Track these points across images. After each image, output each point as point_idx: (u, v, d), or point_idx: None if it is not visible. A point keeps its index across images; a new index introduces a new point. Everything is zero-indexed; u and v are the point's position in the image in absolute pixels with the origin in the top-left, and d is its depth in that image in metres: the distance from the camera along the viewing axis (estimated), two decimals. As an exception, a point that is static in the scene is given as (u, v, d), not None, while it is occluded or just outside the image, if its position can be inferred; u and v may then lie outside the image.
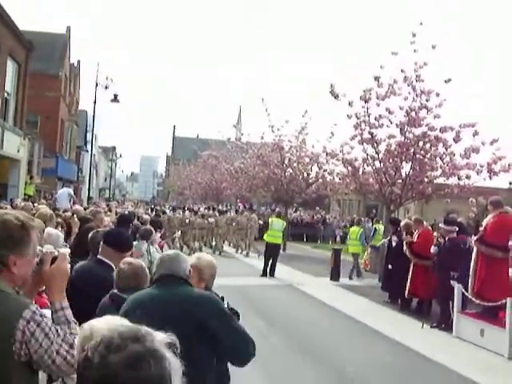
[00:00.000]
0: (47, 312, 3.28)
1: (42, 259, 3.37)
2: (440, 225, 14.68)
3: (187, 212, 35.93)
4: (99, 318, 2.82)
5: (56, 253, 3.47)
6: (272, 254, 22.91)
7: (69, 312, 3.26)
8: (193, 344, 3.87)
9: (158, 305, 4.32)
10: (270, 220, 25.32)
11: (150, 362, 1.78)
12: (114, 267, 5.59)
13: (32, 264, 3.16)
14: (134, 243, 11.40)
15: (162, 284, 4.53)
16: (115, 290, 5.04)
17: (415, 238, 16.14)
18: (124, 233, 6.69)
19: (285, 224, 24.60)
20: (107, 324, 2.86)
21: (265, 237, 24.21)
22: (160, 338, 1.87)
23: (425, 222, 17.35)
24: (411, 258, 15.89)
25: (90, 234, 6.48)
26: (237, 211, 40.96)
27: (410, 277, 15.83)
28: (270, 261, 22.71)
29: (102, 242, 5.94)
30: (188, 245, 30.75)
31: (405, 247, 16.07)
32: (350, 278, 22.47)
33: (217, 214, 36.13)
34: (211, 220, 33.36)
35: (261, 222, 36.54)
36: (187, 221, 32.19)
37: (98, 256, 5.88)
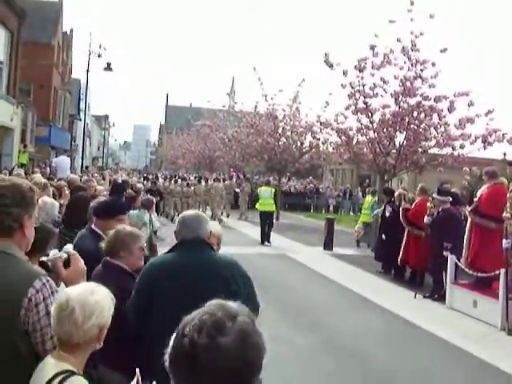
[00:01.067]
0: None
1: (54, 265, 3.46)
2: (433, 195, 14.66)
3: (179, 181, 36.17)
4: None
5: (64, 255, 3.52)
6: (266, 221, 23.44)
7: None
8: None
9: (184, 268, 4.35)
10: (258, 190, 25.81)
11: (257, 337, 1.81)
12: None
13: (33, 226, 3.25)
14: (135, 212, 11.46)
15: (186, 248, 4.54)
16: (107, 258, 5.03)
17: (412, 206, 16.15)
18: (108, 201, 6.59)
19: (273, 191, 24.82)
20: (82, 290, 2.89)
21: (257, 206, 24.64)
22: (247, 310, 1.90)
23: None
24: (405, 226, 15.88)
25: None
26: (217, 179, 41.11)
27: (403, 245, 15.87)
28: (266, 228, 23.34)
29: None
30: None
31: (401, 214, 16.06)
32: (358, 245, 23.28)
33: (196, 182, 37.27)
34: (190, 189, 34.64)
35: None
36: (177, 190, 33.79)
37: (92, 226, 5.85)
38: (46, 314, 2.94)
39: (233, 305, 1.89)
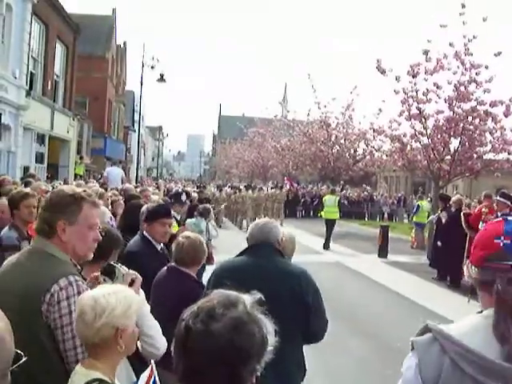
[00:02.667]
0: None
1: (125, 279, 3.50)
2: (496, 198, 14.34)
3: (226, 189, 37.01)
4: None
5: (136, 277, 3.57)
6: (328, 228, 24.23)
7: None
8: (287, 313, 3.94)
9: (250, 271, 4.33)
10: (324, 198, 26.55)
11: (254, 326, 1.87)
12: (153, 239, 5.86)
13: (85, 236, 3.27)
14: (193, 220, 11.61)
15: (255, 252, 4.55)
16: (173, 263, 5.14)
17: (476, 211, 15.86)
18: (154, 205, 6.67)
19: (337, 199, 25.53)
20: (98, 291, 2.89)
21: (322, 214, 25.69)
22: (252, 301, 1.95)
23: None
24: (467, 231, 15.53)
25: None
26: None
27: (465, 251, 15.57)
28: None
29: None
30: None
31: (462, 219, 15.75)
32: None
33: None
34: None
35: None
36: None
37: (143, 232, 6.00)
38: (69, 312, 2.96)
39: (236, 294, 1.95)
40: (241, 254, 4.68)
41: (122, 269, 3.62)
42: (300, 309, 4.29)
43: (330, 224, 24.26)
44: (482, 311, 2.29)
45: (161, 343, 3.61)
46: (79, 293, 3.00)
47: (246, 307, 1.91)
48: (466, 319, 2.36)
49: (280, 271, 4.44)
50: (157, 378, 2.66)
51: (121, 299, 2.79)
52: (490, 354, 2.10)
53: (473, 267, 2.34)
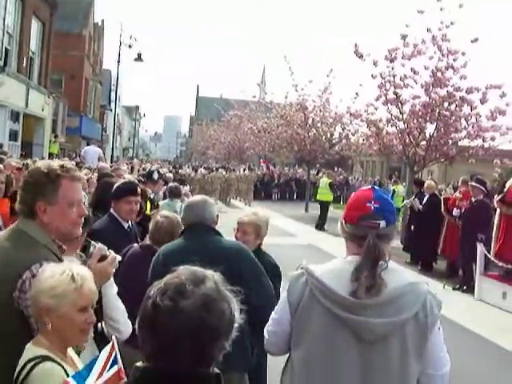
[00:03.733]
0: None
1: (92, 253, 3.47)
2: (472, 183, 14.41)
3: (201, 170, 38.15)
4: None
5: (107, 253, 3.52)
6: (322, 209, 26.17)
7: None
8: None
9: (188, 255, 4.30)
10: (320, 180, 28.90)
11: (223, 303, 1.86)
12: (120, 217, 5.88)
13: (68, 214, 3.16)
14: (166, 201, 11.58)
15: (191, 234, 4.55)
16: (147, 242, 5.12)
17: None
18: (118, 183, 6.54)
19: (327, 182, 27.05)
20: (52, 268, 2.84)
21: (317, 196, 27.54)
22: (219, 278, 1.95)
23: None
24: (446, 216, 15.60)
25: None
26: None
27: (442, 236, 15.70)
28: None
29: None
30: None
31: (442, 204, 15.79)
32: None
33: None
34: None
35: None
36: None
37: (111, 210, 6.02)
38: None
39: (203, 271, 1.94)
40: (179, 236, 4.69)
41: (98, 245, 3.59)
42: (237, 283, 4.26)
43: (322, 206, 26.02)
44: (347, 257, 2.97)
45: (126, 326, 3.58)
46: None
47: (216, 284, 1.90)
48: (332, 262, 2.99)
49: (213, 249, 4.38)
50: (118, 355, 2.62)
51: (56, 277, 2.70)
52: (342, 291, 2.72)
53: (347, 224, 2.95)
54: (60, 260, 3.07)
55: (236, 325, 1.91)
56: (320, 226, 25.18)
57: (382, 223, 2.85)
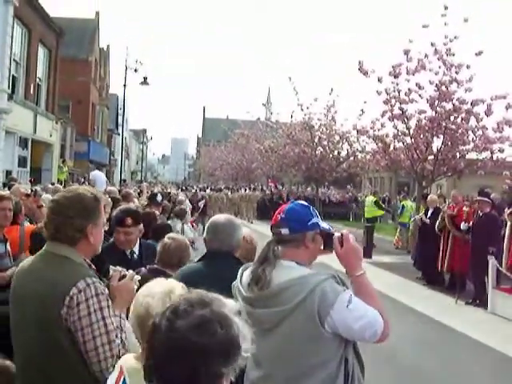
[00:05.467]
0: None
1: (112, 276, 3.54)
2: (477, 197, 14.30)
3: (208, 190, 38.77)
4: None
5: (126, 272, 3.61)
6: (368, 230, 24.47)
7: (126, 323, 3.24)
8: None
9: (207, 280, 4.21)
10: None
11: (217, 325, 1.80)
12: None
13: (102, 234, 3.39)
14: (168, 222, 11.55)
15: (212, 260, 4.43)
16: (155, 265, 5.09)
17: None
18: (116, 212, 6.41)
19: (373, 200, 26.03)
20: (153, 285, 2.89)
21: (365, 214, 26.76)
22: (230, 305, 1.91)
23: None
24: (453, 232, 15.36)
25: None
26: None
27: (448, 252, 15.50)
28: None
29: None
30: None
31: (447, 221, 15.56)
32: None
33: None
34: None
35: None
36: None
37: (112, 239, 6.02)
38: (88, 314, 3.00)
39: (214, 296, 1.92)
40: (201, 259, 4.58)
41: (115, 268, 3.70)
42: None
43: (368, 230, 23.58)
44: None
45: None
46: (97, 294, 3.06)
47: (221, 308, 1.85)
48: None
49: (232, 278, 4.32)
50: (127, 379, 2.59)
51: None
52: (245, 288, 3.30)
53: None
54: (99, 277, 3.23)
55: (246, 354, 1.87)
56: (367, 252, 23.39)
57: (284, 230, 3.27)
